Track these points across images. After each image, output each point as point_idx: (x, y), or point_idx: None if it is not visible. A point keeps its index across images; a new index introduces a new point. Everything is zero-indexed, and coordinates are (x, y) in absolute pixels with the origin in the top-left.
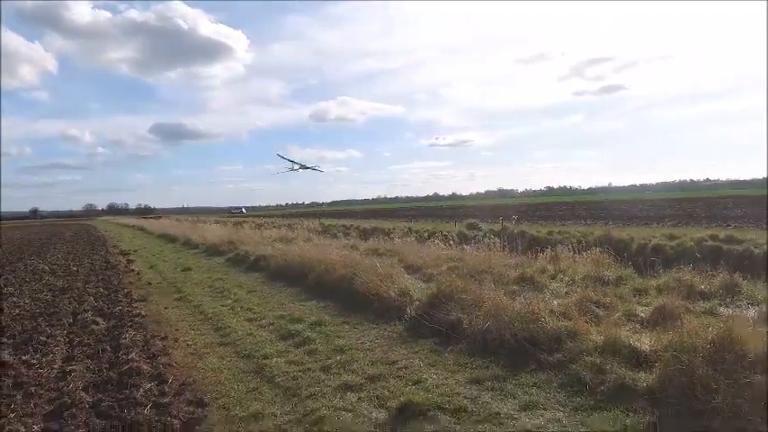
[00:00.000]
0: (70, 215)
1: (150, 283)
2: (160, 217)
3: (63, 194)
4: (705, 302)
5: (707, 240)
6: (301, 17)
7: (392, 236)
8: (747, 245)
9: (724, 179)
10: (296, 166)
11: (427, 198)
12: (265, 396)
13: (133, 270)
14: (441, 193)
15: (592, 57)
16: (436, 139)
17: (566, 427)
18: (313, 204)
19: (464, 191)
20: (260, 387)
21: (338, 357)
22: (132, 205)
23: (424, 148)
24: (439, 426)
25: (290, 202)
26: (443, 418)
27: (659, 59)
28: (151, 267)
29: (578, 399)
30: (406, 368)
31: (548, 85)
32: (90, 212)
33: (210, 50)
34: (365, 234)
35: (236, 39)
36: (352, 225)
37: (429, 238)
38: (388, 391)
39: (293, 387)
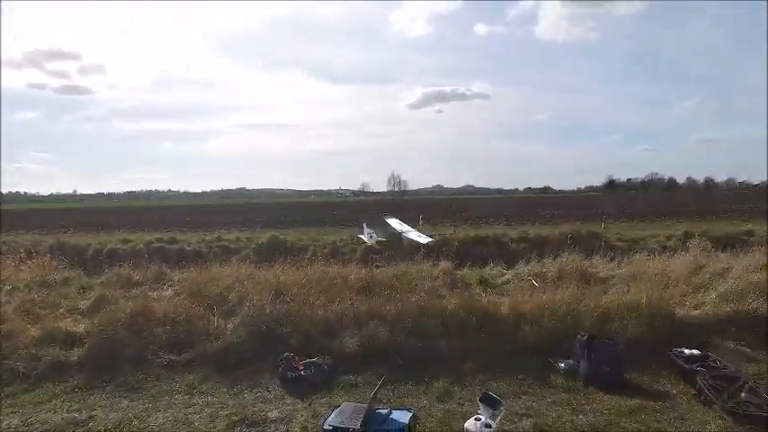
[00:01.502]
0: None
1: None
2: None
3: None
4: (138, 288)
5: (154, 243)
6: None
7: None
8: (182, 244)
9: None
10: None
11: None
12: None
13: None
14: None
15: (55, 49)
16: None
17: None
18: None
19: None
20: None
21: None
22: None
23: None
24: None
25: None
26: None
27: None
28: None
29: (14, 386)
30: None
31: None
32: None
33: None
34: None
35: None
36: None
37: None
38: None
39: None
